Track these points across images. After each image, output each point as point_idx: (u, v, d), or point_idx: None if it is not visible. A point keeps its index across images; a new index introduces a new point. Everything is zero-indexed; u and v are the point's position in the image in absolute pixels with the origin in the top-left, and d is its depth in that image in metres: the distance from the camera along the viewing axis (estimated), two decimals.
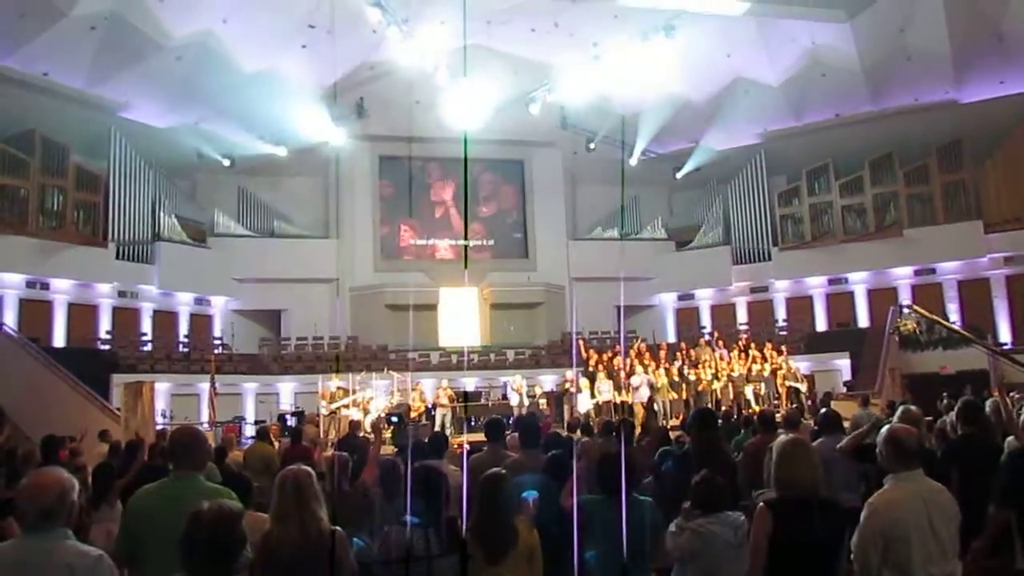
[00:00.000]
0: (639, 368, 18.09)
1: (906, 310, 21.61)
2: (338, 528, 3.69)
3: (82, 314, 22.01)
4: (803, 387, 18.62)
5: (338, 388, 17.09)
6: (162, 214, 23.50)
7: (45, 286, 21.30)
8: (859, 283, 25.65)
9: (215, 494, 3.36)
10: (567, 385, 18.68)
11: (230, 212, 25.78)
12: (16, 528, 3.39)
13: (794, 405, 16.17)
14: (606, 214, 28.87)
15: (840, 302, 25.91)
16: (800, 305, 26.52)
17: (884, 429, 3.91)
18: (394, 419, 16.20)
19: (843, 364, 23.11)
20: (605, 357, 19.39)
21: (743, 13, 20.81)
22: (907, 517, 3.54)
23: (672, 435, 9.51)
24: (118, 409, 16.51)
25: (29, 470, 7.07)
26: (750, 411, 15.36)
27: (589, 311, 25.57)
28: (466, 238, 27.68)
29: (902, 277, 24.92)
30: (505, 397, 20.40)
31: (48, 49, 19.03)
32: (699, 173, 27.63)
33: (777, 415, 8.23)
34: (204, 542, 2.77)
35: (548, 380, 22.62)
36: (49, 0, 17.83)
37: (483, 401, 20.71)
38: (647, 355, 19.41)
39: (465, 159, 27.05)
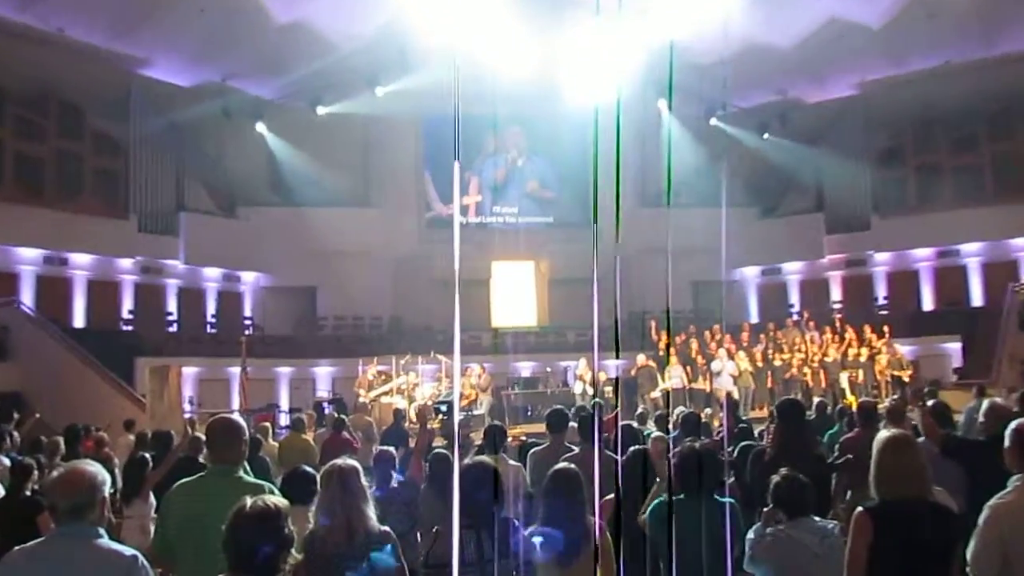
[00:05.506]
0: (721, 352, 17.96)
1: None
2: (388, 528, 3.78)
3: (103, 292, 22.53)
4: (907, 375, 18.28)
5: (377, 374, 17.34)
6: (187, 182, 23.92)
7: (63, 261, 21.79)
8: (973, 256, 24.99)
9: (258, 490, 3.44)
10: (634, 372, 18.66)
11: (261, 179, 25.94)
12: (50, 523, 3.56)
13: (896, 395, 15.90)
14: (681, 178, 28.48)
15: (950, 277, 25.28)
16: (903, 281, 25.99)
17: (1012, 424, 3.83)
18: (442, 408, 16.36)
19: (953, 349, 22.69)
20: (678, 339, 19.27)
21: None
22: None
23: (756, 429, 9.49)
24: (143, 396, 16.98)
25: (55, 462, 7.40)
26: (845, 402, 15.17)
27: (660, 287, 25.34)
28: (520, 206, 27.59)
29: None
30: (566, 384, 20.45)
31: (64, 2, 19.38)
32: (787, 130, 27.09)
33: (879, 406, 8.10)
34: (249, 542, 2.82)
35: (613, 364, 22.53)
36: None
37: (541, 388, 20.72)
38: (727, 337, 19.25)
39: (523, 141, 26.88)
